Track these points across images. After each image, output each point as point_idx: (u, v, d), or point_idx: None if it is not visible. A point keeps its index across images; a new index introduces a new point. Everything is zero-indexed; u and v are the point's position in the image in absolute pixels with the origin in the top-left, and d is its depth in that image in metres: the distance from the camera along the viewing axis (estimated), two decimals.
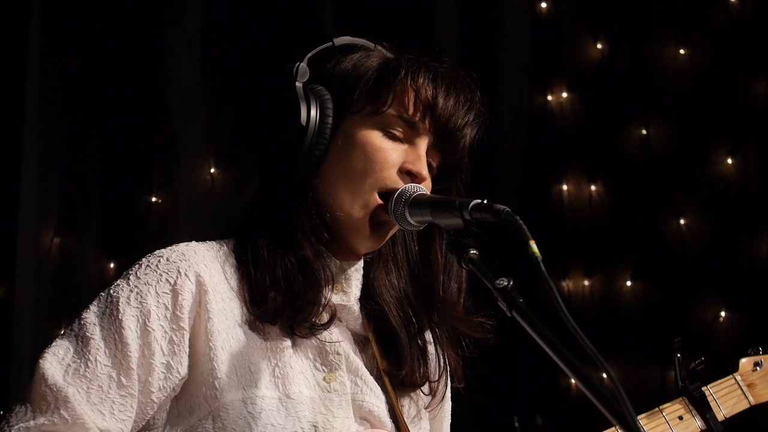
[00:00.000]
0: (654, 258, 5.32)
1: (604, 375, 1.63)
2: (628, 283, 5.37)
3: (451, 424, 2.43)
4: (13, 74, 4.65)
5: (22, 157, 4.61)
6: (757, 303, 5.03)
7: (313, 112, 2.11)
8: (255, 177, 2.25)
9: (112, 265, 4.97)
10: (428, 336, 2.26)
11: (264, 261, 2.10)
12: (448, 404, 2.38)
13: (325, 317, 2.13)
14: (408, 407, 2.25)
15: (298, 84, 2.13)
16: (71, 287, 4.80)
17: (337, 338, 2.15)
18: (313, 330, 2.10)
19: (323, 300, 2.11)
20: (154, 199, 5.00)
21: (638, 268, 5.37)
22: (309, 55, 2.17)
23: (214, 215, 4.96)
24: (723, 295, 5.19)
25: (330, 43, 2.21)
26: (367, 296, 2.21)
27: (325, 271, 2.12)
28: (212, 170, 5.07)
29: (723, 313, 5.17)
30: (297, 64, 2.14)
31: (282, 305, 2.08)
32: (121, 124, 4.96)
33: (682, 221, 5.30)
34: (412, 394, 2.25)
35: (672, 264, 5.28)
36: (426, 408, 2.26)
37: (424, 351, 2.24)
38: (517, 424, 4.97)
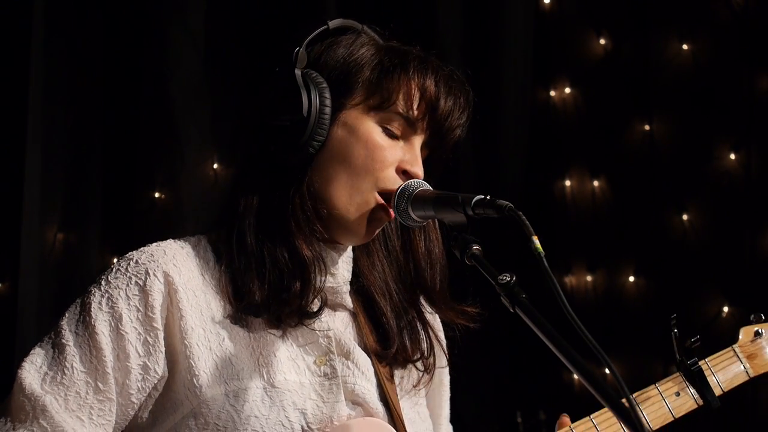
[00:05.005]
0: (657, 254, 5.31)
1: (607, 370, 1.63)
2: (631, 279, 5.37)
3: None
4: (17, 69, 4.63)
5: (25, 152, 4.60)
6: (759, 298, 5.01)
7: (313, 101, 2.07)
8: (241, 164, 2.21)
9: (115, 261, 4.96)
10: (415, 314, 2.26)
11: (251, 250, 2.09)
12: (446, 378, 2.38)
13: (316, 305, 2.12)
14: (405, 381, 2.24)
15: (298, 71, 2.10)
16: (75, 283, 4.79)
17: (327, 321, 2.14)
18: (302, 318, 2.09)
19: (312, 289, 2.09)
20: (157, 195, 5.00)
21: (641, 264, 5.36)
22: (307, 40, 2.13)
23: (217, 211, 4.93)
24: (726, 290, 5.19)
25: (325, 26, 2.17)
26: (353, 276, 2.21)
27: (318, 261, 2.10)
28: (215, 166, 5.06)
29: (726, 309, 5.17)
30: (296, 50, 2.11)
31: (267, 298, 2.06)
32: (125, 120, 4.95)
33: (684, 217, 5.30)
34: (406, 370, 2.24)
35: (675, 260, 5.27)
36: (415, 385, 2.25)
37: (413, 327, 2.24)
38: (519, 420, 4.97)
